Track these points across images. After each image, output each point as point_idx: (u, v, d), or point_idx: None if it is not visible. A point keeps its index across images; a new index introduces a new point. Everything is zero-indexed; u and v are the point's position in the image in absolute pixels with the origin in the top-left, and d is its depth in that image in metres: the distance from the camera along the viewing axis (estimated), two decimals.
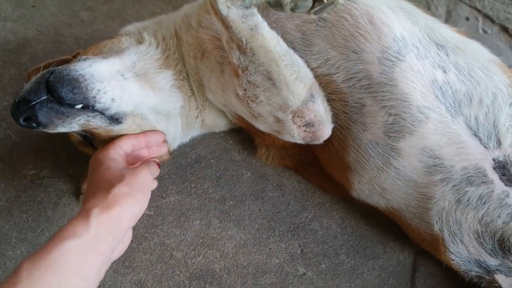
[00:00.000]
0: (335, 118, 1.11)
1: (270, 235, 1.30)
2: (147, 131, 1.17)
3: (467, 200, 1.04)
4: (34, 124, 0.99)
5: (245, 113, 1.16)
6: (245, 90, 1.07)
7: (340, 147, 1.14)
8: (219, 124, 1.38)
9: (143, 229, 1.29)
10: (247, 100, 1.09)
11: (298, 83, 1.02)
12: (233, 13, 0.97)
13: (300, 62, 1.05)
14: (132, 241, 1.25)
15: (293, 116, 1.06)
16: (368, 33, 1.05)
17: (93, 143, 1.15)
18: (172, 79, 1.21)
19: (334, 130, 1.11)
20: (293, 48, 1.07)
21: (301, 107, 1.04)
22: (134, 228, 1.27)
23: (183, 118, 1.28)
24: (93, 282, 0.84)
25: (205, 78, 1.22)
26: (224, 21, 0.99)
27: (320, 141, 1.12)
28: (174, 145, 1.34)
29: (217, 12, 0.99)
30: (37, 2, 1.72)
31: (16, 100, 0.98)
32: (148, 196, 1.01)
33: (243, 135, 1.46)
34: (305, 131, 1.08)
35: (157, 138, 1.18)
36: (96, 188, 0.96)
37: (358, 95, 1.07)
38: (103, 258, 0.86)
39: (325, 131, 1.10)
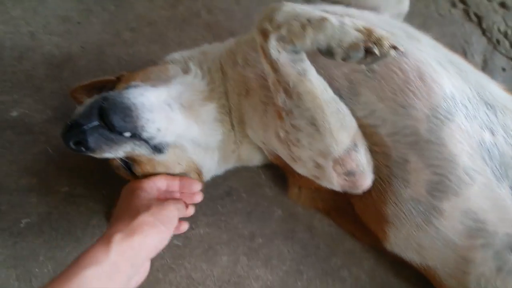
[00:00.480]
0: (376, 170, 1.09)
1: (298, 278, 1.28)
2: (184, 176, 1.19)
3: (509, 269, 1.01)
4: (83, 148, 1.00)
5: (285, 155, 1.15)
6: (287, 132, 1.07)
7: (379, 199, 1.13)
8: (254, 159, 1.37)
9: (170, 260, 1.28)
10: (288, 143, 1.08)
11: (342, 131, 1.01)
12: (283, 57, 0.97)
13: (345, 110, 1.04)
14: (158, 271, 1.26)
15: (334, 164, 1.04)
16: (417, 90, 1.03)
17: (132, 169, 1.15)
18: (215, 112, 1.21)
19: (374, 181, 1.10)
20: (339, 96, 1.06)
21: (343, 155, 1.03)
22: (162, 258, 1.28)
23: (220, 151, 1.27)
24: None
25: (247, 116, 1.22)
26: (272, 64, 0.99)
27: (359, 191, 1.11)
28: (207, 177, 1.33)
29: (266, 54, 0.99)
30: (83, 19, 1.75)
31: (68, 123, 1.00)
32: (171, 231, 1.02)
33: (276, 171, 1.45)
34: (345, 179, 1.07)
35: (192, 186, 1.18)
36: (122, 214, 0.98)
37: (403, 150, 1.05)
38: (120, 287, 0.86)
39: (366, 181, 1.08)
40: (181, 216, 1.10)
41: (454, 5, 1.94)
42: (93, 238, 1.30)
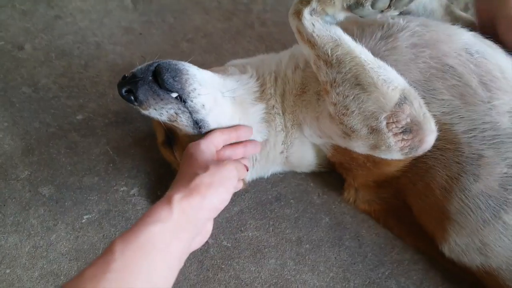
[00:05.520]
0: (446, 168, 1.08)
1: (345, 286, 1.28)
2: (237, 125, 1.21)
3: None
4: (132, 98, 1.10)
5: (339, 135, 1.14)
6: (335, 104, 1.07)
7: (443, 197, 1.10)
8: (302, 164, 1.40)
9: (219, 260, 1.32)
10: (338, 116, 1.08)
11: (387, 84, 1.00)
12: (317, 28, 1.02)
13: (388, 66, 1.04)
14: (208, 270, 1.30)
15: (387, 122, 1.02)
16: (501, 84, 1.05)
17: (173, 146, 1.24)
18: (262, 113, 1.27)
19: (439, 179, 1.08)
20: (414, 88, 1.06)
21: (395, 109, 1.00)
22: (212, 258, 1.32)
23: (264, 152, 1.32)
24: (174, 271, 0.85)
25: (301, 114, 1.25)
26: (310, 40, 1.04)
27: (420, 151, 1.06)
28: (247, 178, 1.38)
29: (302, 34, 1.05)
30: (144, 31, 1.86)
31: (125, 75, 1.12)
32: (230, 191, 1.00)
33: (324, 179, 1.47)
34: (403, 139, 1.03)
35: (247, 134, 1.22)
36: (182, 177, 0.98)
37: (478, 146, 1.04)
38: (184, 246, 0.87)
39: (426, 138, 1.03)
40: (241, 177, 1.11)
41: None
42: None
